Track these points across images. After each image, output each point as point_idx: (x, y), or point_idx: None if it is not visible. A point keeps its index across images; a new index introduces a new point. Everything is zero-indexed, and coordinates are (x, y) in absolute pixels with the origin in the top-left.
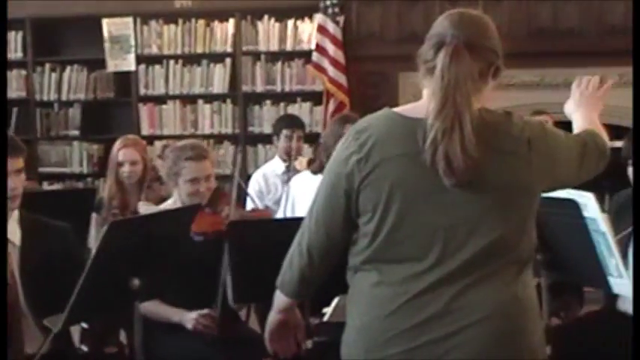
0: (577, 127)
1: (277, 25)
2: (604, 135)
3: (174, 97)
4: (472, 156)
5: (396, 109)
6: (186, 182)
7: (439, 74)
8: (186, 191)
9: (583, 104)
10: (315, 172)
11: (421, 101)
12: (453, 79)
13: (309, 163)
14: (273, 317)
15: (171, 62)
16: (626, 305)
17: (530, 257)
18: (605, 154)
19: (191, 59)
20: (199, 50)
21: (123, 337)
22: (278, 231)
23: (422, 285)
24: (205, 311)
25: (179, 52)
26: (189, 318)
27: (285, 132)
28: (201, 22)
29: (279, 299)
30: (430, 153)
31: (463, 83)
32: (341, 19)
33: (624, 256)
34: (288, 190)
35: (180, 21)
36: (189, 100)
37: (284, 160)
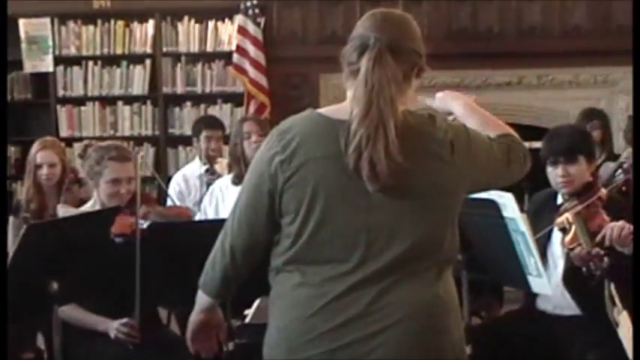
0: (471, 121)
1: (197, 26)
2: (511, 131)
3: (93, 99)
4: (396, 161)
5: (319, 110)
6: (107, 183)
7: (362, 79)
8: (106, 192)
9: (452, 96)
10: (235, 184)
11: (344, 102)
12: (376, 84)
13: (230, 165)
14: (195, 317)
15: (90, 63)
16: (545, 304)
17: (452, 258)
18: (528, 157)
19: (110, 60)
20: (118, 51)
21: (41, 341)
22: (198, 232)
23: (343, 286)
24: (125, 320)
25: (98, 53)
26: (111, 327)
27: (204, 133)
28: (120, 22)
29: (202, 299)
30: (354, 158)
31: (387, 88)
32: (261, 20)
33: (543, 256)
34: (212, 193)
35: (98, 22)
36: (108, 101)
37: (204, 162)
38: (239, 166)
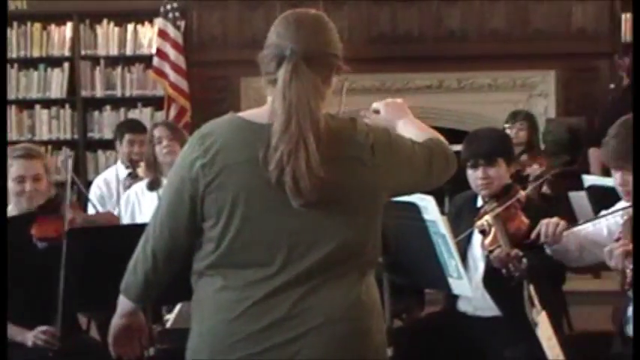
0: (411, 134)
1: (117, 29)
2: (444, 140)
3: (10, 102)
4: (318, 176)
5: (240, 114)
6: (13, 181)
7: (280, 93)
8: (13, 191)
9: (397, 113)
10: (151, 189)
11: (265, 106)
12: (294, 99)
13: None
14: (116, 322)
15: (7, 66)
16: (466, 306)
17: (374, 260)
18: (453, 160)
19: (27, 63)
20: (36, 54)
21: None
22: (119, 237)
23: (266, 289)
24: (45, 328)
25: (14, 55)
26: (29, 337)
27: (127, 137)
28: (38, 25)
29: (123, 304)
30: (276, 174)
31: (305, 101)
32: (182, 23)
33: (463, 258)
34: (127, 199)
35: (15, 24)
36: (26, 105)
37: (127, 166)
38: (153, 171)
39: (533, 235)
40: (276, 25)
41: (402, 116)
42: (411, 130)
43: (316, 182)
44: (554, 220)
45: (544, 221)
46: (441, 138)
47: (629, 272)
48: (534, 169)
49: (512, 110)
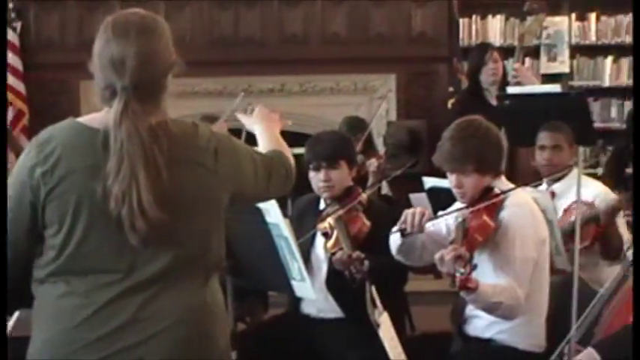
0: (262, 143)
1: None
2: (289, 154)
3: None
4: (154, 217)
5: (80, 119)
6: None
7: (112, 133)
8: None
9: (263, 118)
10: None
11: (103, 111)
12: (125, 140)
13: None
14: None
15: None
16: (310, 308)
17: (218, 265)
18: (292, 175)
19: None
20: None
21: None
22: None
23: (110, 295)
24: None
25: None
26: None
27: None
28: None
29: None
30: (116, 212)
31: (137, 141)
32: (18, 25)
33: (306, 260)
34: None
35: None
36: None
37: None
38: None
39: (398, 226)
40: (105, 38)
41: (265, 124)
42: (263, 139)
43: (153, 221)
44: (419, 209)
45: (408, 211)
46: (285, 151)
47: (458, 276)
48: (372, 163)
49: (346, 121)
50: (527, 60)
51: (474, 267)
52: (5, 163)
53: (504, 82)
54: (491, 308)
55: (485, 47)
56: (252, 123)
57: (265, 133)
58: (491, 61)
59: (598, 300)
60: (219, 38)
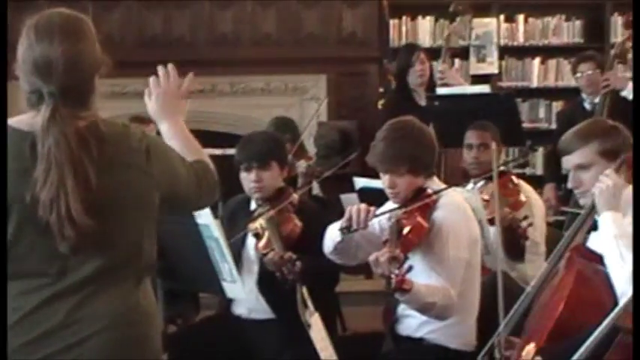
0: (176, 147)
1: None
2: (208, 159)
3: None
4: (82, 225)
5: (9, 121)
6: None
7: (40, 139)
8: None
9: (168, 111)
10: None
11: (32, 113)
12: (53, 146)
13: None
14: None
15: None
16: (241, 309)
17: (150, 267)
18: (218, 185)
19: None
20: None
21: None
22: None
23: (40, 299)
24: None
25: None
26: None
27: None
28: None
29: None
30: (44, 220)
31: (64, 147)
32: None
33: (238, 261)
34: None
35: None
36: None
37: None
38: None
39: (342, 223)
40: (26, 39)
41: (169, 117)
42: (177, 142)
43: (82, 229)
44: (363, 206)
45: (353, 207)
46: (205, 157)
47: (393, 277)
48: (301, 164)
49: (273, 122)
50: (457, 61)
51: (409, 268)
52: (5, 159)
53: (432, 84)
54: (425, 308)
55: (412, 48)
56: (157, 116)
57: (176, 137)
58: (419, 62)
59: (526, 296)
60: (149, 38)
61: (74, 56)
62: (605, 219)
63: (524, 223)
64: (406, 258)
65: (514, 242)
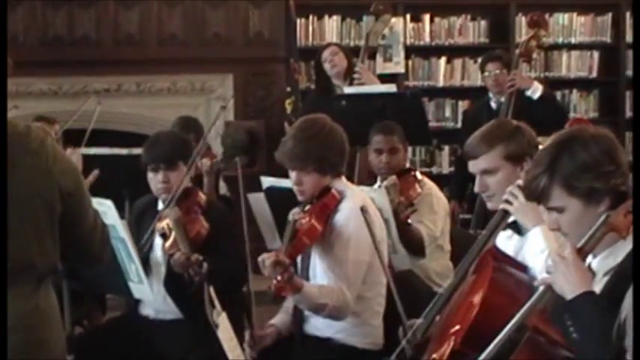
0: None
1: None
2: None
3: None
4: None
5: None
6: None
7: None
8: None
9: None
10: None
11: None
12: None
13: None
14: None
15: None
16: (148, 310)
17: (52, 268)
18: (109, 235)
19: None
20: None
21: None
22: None
23: None
24: None
25: None
26: None
27: None
28: None
29: None
30: None
31: None
32: None
33: (145, 262)
34: None
35: None
36: None
37: None
38: None
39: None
40: None
41: None
42: None
43: None
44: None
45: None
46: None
47: (275, 282)
48: (205, 162)
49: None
50: (366, 61)
51: (291, 276)
52: (5, 161)
53: (352, 79)
54: (317, 309)
55: (326, 46)
56: None
57: None
58: (329, 53)
59: (439, 298)
60: (54, 38)
61: None
62: (537, 233)
63: (408, 210)
64: (294, 261)
65: (402, 230)
